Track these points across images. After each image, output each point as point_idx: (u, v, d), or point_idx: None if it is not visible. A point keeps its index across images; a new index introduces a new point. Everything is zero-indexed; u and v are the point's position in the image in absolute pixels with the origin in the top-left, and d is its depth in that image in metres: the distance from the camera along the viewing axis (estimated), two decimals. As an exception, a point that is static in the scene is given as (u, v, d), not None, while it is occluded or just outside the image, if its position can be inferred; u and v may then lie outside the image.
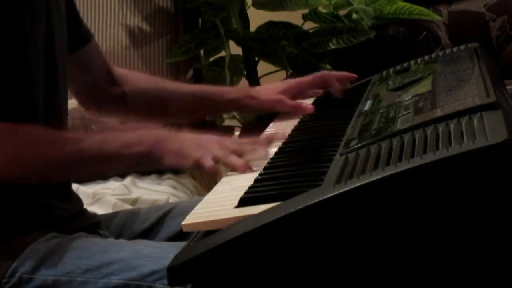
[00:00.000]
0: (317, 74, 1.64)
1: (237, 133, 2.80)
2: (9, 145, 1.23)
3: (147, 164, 1.30)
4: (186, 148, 1.25)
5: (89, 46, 1.53)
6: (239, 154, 1.25)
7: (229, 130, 2.86)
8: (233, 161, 1.22)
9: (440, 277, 0.94)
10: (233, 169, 1.22)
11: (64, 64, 1.40)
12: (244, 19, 2.96)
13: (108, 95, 1.57)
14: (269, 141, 1.33)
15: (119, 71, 1.61)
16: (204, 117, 2.06)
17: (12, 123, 1.25)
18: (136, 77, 1.63)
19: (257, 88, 1.67)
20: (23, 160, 1.24)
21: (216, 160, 1.22)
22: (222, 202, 1.08)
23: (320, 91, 1.65)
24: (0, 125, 1.24)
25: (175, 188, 2.41)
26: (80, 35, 1.51)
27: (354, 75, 1.67)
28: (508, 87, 1.58)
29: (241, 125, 2.98)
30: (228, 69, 2.82)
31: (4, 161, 1.23)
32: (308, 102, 1.58)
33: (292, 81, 1.64)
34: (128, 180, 2.42)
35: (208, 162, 1.22)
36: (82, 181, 2.34)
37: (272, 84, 1.67)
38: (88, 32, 1.55)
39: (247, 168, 1.21)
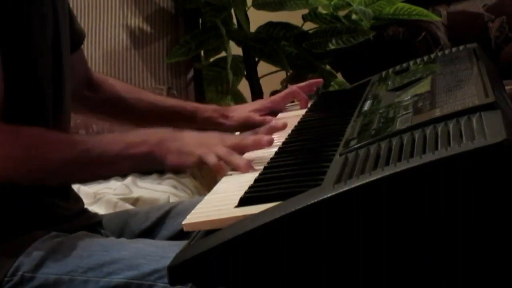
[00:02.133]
0: (286, 91, 1.68)
1: (237, 133, 2.80)
2: (14, 147, 1.24)
3: (151, 164, 1.30)
4: (188, 147, 1.26)
5: (76, 53, 1.53)
6: (242, 150, 1.27)
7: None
8: (235, 160, 1.23)
9: (440, 277, 0.94)
10: (236, 168, 1.23)
11: (69, 65, 1.40)
12: (244, 20, 2.97)
13: (84, 99, 1.58)
14: (271, 131, 1.36)
15: (99, 76, 1.62)
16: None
17: (17, 125, 1.25)
18: (114, 84, 1.63)
19: (232, 107, 1.70)
20: (28, 162, 1.25)
21: (219, 158, 1.23)
22: (223, 202, 1.08)
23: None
24: (5, 127, 1.25)
25: (175, 187, 2.41)
26: (72, 41, 1.52)
27: (320, 80, 1.73)
28: (506, 87, 1.59)
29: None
30: (230, 69, 2.83)
31: (10, 163, 1.24)
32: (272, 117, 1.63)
33: (264, 101, 1.69)
34: (129, 179, 2.42)
35: (211, 159, 1.23)
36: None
37: (247, 104, 1.74)
38: (79, 38, 1.55)
39: (249, 168, 1.22)
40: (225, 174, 1.23)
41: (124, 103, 1.60)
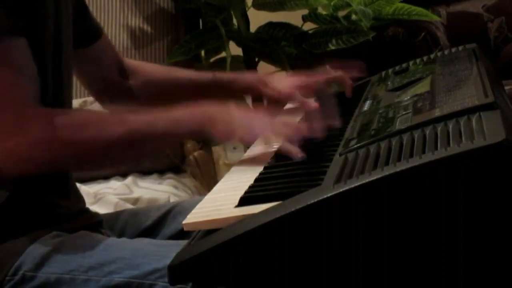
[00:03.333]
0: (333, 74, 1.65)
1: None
2: (58, 130, 1.22)
3: (198, 138, 1.30)
4: (236, 121, 1.26)
5: (100, 42, 1.55)
6: (290, 138, 1.26)
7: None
8: (286, 146, 1.23)
9: (439, 277, 0.94)
10: (288, 153, 1.22)
11: (69, 63, 1.41)
12: (244, 20, 2.97)
13: (120, 87, 1.59)
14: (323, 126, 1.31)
15: (130, 62, 1.63)
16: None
17: (58, 109, 1.25)
18: (147, 67, 1.64)
19: (273, 76, 1.68)
20: (74, 144, 1.23)
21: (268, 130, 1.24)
22: (223, 202, 1.09)
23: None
24: (48, 110, 1.24)
25: (176, 187, 2.41)
26: (91, 32, 1.54)
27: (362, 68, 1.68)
28: (506, 87, 1.59)
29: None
30: (230, 70, 2.83)
31: (55, 146, 1.22)
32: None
33: (307, 78, 1.65)
34: (129, 179, 2.43)
35: (260, 130, 1.24)
36: (84, 180, 2.36)
37: (289, 76, 1.68)
38: (99, 28, 1.57)
39: (299, 153, 1.21)
40: (221, 176, 1.23)
41: (162, 84, 1.60)
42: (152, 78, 1.61)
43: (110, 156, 1.30)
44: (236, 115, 1.27)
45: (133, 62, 1.64)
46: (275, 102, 1.59)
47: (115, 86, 1.58)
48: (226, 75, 1.67)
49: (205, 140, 1.26)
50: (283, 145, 1.24)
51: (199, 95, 1.58)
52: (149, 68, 1.65)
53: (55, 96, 1.35)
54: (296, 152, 1.21)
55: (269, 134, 1.25)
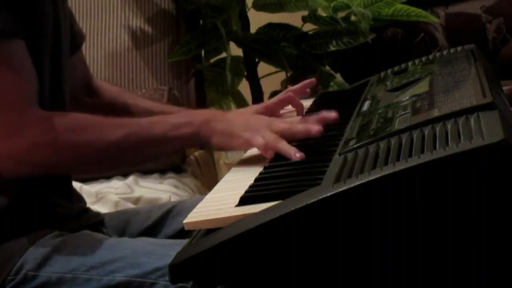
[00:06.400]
0: (280, 97, 1.57)
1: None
2: (57, 132, 1.22)
3: (196, 145, 1.29)
4: (234, 129, 1.25)
5: (77, 55, 1.53)
6: (291, 136, 1.24)
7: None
8: (284, 147, 1.21)
9: (433, 276, 0.95)
10: (286, 155, 1.21)
11: (68, 65, 1.41)
12: (245, 21, 2.98)
13: (83, 104, 1.56)
14: (321, 120, 1.31)
15: (97, 82, 1.61)
16: None
17: (56, 111, 1.24)
18: (112, 90, 1.62)
19: (226, 113, 1.67)
20: (73, 147, 1.24)
21: (267, 143, 1.22)
22: (223, 201, 1.09)
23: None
24: (47, 113, 1.24)
25: (176, 187, 2.42)
26: (76, 39, 1.52)
27: (313, 80, 1.64)
28: (504, 88, 1.59)
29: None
30: (229, 70, 2.84)
31: (54, 149, 1.22)
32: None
33: (258, 106, 1.60)
34: (130, 179, 2.43)
35: (259, 143, 1.22)
36: (85, 179, 2.36)
37: (242, 109, 1.67)
38: (79, 39, 1.55)
39: (297, 153, 1.20)
40: (222, 176, 1.23)
41: (122, 109, 1.59)
42: (115, 101, 1.59)
43: (110, 159, 1.29)
44: (235, 122, 1.27)
45: (100, 82, 1.62)
46: None
47: (79, 103, 1.55)
48: (186, 111, 1.64)
49: (204, 146, 1.24)
50: (281, 146, 1.23)
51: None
52: (114, 91, 1.63)
53: (54, 99, 1.35)
54: (294, 152, 1.20)
55: (267, 149, 1.23)
